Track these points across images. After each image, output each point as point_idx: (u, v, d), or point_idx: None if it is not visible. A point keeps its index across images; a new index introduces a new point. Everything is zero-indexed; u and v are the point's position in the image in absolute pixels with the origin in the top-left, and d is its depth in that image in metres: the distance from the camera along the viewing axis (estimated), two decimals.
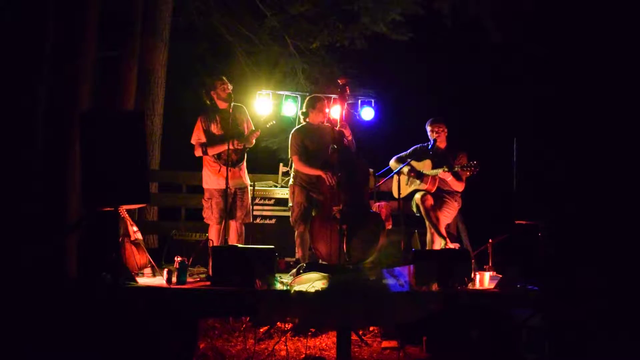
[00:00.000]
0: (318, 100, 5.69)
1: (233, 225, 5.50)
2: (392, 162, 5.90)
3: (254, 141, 5.51)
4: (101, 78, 6.76)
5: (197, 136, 5.48)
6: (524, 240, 5.02)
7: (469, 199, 5.90)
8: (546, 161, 4.88)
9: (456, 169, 5.47)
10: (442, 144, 5.78)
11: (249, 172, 5.70)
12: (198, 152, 5.47)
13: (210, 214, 5.49)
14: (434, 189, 5.61)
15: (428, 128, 5.80)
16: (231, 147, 5.29)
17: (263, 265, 4.42)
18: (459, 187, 5.63)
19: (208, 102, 5.52)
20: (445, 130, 5.74)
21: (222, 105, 5.47)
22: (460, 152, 5.69)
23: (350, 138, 5.45)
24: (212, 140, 5.44)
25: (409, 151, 5.91)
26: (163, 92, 7.93)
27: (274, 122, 5.56)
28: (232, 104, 5.42)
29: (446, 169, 5.43)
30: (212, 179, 5.48)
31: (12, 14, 5.09)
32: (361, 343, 5.01)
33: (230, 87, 5.46)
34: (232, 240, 5.44)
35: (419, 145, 5.90)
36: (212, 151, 5.41)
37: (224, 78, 5.51)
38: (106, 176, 4.35)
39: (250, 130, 5.49)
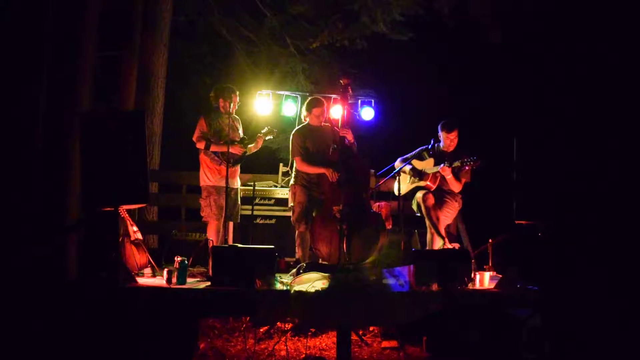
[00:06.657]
0: (314, 105, 5.66)
1: (230, 225, 5.58)
2: (398, 163, 5.88)
3: (259, 145, 5.68)
4: (101, 78, 6.76)
5: (200, 132, 5.59)
6: (524, 240, 5.01)
7: (469, 199, 5.90)
8: (547, 161, 4.88)
9: (456, 163, 5.44)
10: (450, 147, 5.74)
11: (249, 172, 5.79)
12: (200, 145, 5.55)
13: (210, 211, 5.54)
14: (434, 186, 5.61)
15: (442, 134, 5.71)
16: (232, 150, 5.43)
17: (263, 265, 4.43)
18: (456, 187, 5.61)
19: (213, 103, 5.64)
20: (458, 136, 5.70)
21: (223, 115, 5.58)
22: (464, 153, 5.66)
23: (352, 141, 5.44)
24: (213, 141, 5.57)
25: (414, 152, 5.89)
26: (163, 92, 7.93)
27: (272, 137, 5.79)
28: (233, 115, 5.61)
29: (447, 164, 5.43)
30: (210, 177, 5.57)
31: (12, 14, 5.09)
32: (361, 343, 5.01)
33: (238, 100, 5.61)
34: (232, 240, 5.47)
35: (424, 147, 5.88)
36: (215, 148, 5.51)
37: (236, 90, 5.63)
38: (106, 176, 4.36)
39: (257, 135, 5.66)
